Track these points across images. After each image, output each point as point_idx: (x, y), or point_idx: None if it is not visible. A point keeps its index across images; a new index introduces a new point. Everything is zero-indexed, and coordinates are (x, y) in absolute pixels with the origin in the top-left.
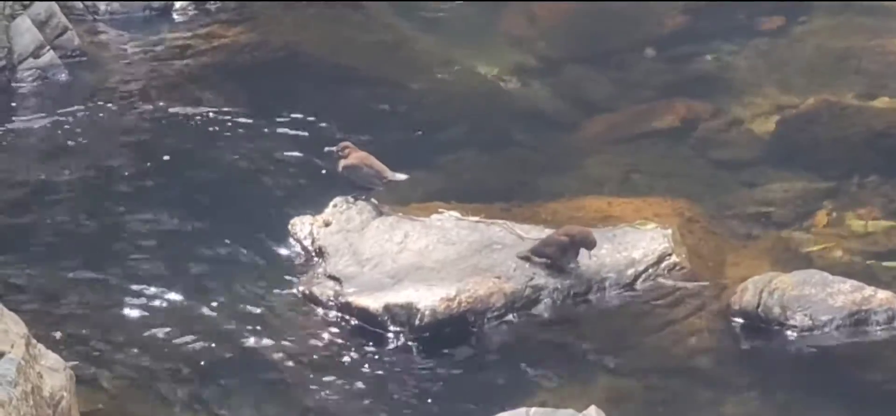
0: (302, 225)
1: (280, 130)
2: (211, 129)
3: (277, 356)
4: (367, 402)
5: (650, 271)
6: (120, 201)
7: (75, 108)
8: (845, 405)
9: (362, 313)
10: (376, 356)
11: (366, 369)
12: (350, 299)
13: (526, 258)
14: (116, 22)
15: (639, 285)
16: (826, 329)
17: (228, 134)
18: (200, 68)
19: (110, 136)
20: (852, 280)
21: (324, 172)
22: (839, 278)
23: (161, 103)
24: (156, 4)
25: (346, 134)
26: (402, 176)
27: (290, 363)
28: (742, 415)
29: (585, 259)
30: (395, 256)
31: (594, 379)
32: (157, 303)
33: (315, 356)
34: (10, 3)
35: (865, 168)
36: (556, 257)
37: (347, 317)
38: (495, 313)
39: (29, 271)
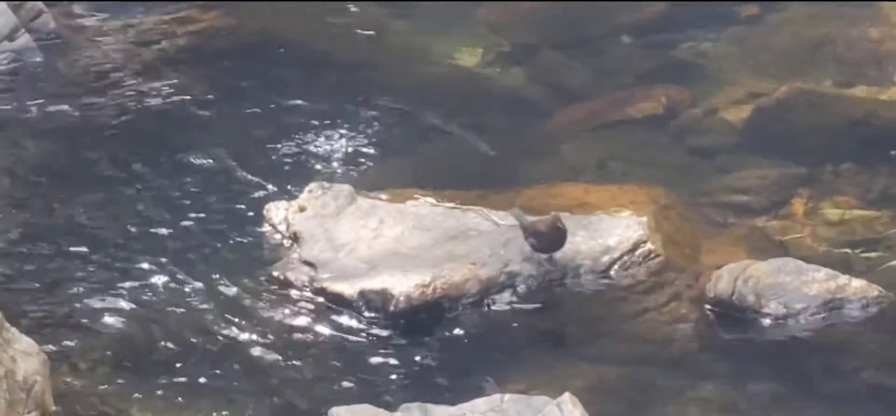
0: (277, 210)
1: (255, 114)
2: (186, 113)
3: (251, 341)
4: (341, 388)
5: (625, 258)
6: (94, 185)
7: (50, 91)
8: (819, 392)
9: (337, 299)
10: (351, 342)
11: (340, 355)
12: (325, 284)
13: (525, 229)
14: (92, 5)
15: (614, 272)
16: (800, 317)
17: (203, 118)
18: (176, 52)
19: (84, 119)
20: (827, 268)
21: (299, 157)
22: (814, 266)
23: (136, 87)
24: None
25: (322, 120)
26: None
27: (265, 349)
28: (716, 403)
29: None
30: (371, 242)
31: (569, 366)
32: (131, 288)
33: (289, 342)
34: None
35: (841, 156)
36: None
37: (322, 303)
38: (470, 300)
39: (1, 255)
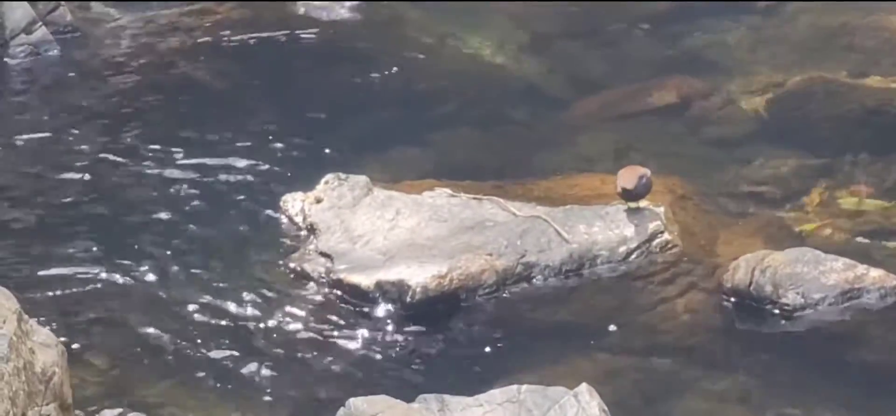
0: (293, 202)
1: (271, 106)
2: (202, 106)
3: (268, 332)
4: (357, 379)
5: (642, 248)
6: (111, 177)
7: (67, 83)
8: (837, 382)
9: (354, 290)
10: (367, 334)
11: (356, 346)
12: (341, 275)
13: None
14: None
15: (630, 262)
16: (818, 307)
17: (219, 110)
18: (193, 44)
19: (100, 112)
20: (845, 258)
21: (315, 148)
22: (831, 256)
23: (153, 80)
24: None
25: (338, 110)
26: None
27: (282, 340)
28: (733, 393)
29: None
30: (387, 233)
31: (585, 357)
32: (148, 279)
33: (306, 333)
34: None
35: (858, 146)
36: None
37: (339, 294)
38: (487, 291)
39: (20, 246)
